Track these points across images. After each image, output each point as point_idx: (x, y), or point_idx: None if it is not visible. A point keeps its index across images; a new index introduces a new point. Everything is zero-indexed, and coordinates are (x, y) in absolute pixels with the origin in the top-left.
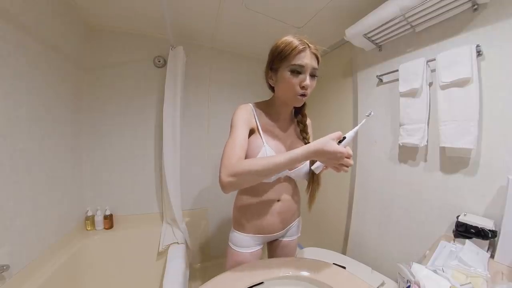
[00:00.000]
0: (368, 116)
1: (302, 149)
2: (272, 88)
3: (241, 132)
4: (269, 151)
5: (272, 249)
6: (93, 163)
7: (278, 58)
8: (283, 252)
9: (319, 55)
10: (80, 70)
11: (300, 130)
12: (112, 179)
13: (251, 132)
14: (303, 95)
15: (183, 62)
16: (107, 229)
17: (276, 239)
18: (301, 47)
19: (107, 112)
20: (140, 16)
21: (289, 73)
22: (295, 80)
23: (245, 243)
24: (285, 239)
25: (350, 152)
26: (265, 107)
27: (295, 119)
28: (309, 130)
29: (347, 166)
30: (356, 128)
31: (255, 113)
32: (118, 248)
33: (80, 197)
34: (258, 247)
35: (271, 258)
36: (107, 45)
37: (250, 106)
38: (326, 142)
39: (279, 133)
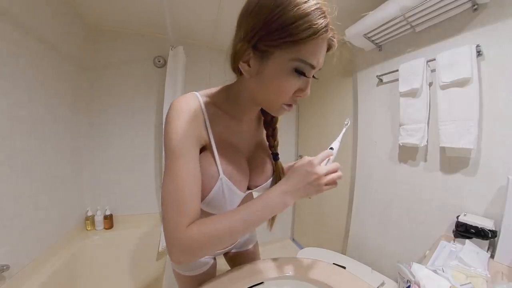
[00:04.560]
0: (346, 124)
1: (273, 199)
2: (239, 71)
3: (187, 164)
4: (227, 185)
5: (231, 262)
6: (93, 163)
7: (278, 36)
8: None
9: (335, 45)
10: (80, 70)
11: (267, 135)
12: (112, 179)
13: (200, 150)
14: (292, 104)
15: (183, 62)
16: (107, 229)
17: (230, 252)
18: (325, 33)
19: (107, 112)
20: (140, 16)
21: (291, 70)
22: (295, 83)
23: (193, 264)
24: (242, 249)
25: (330, 167)
26: (223, 101)
27: (262, 118)
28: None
29: (332, 184)
30: (339, 137)
31: (205, 116)
32: (118, 248)
33: (80, 197)
34: (210, 263)
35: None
36: (107, 45)
37: (198, 103)
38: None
39: (240, 142)
